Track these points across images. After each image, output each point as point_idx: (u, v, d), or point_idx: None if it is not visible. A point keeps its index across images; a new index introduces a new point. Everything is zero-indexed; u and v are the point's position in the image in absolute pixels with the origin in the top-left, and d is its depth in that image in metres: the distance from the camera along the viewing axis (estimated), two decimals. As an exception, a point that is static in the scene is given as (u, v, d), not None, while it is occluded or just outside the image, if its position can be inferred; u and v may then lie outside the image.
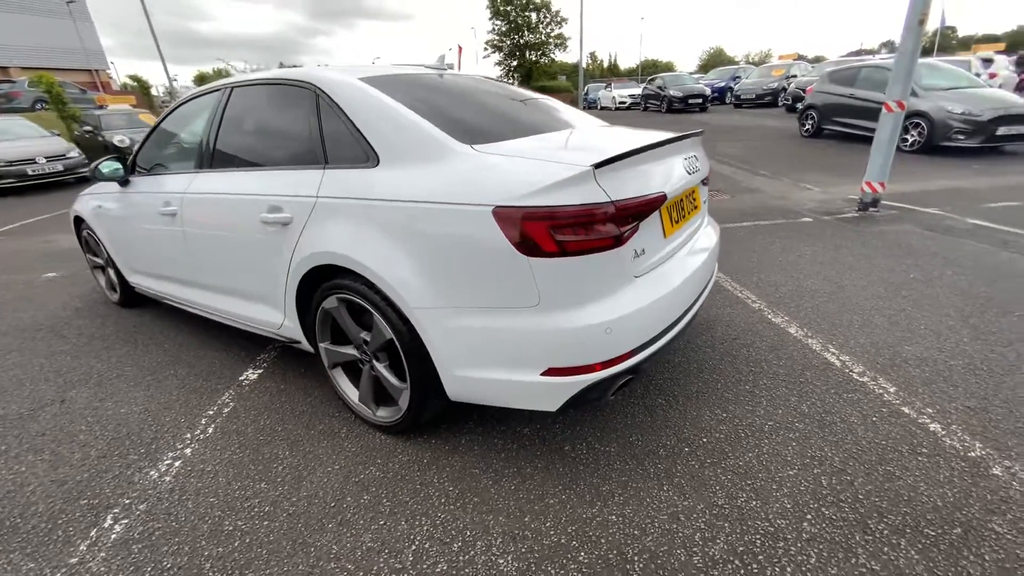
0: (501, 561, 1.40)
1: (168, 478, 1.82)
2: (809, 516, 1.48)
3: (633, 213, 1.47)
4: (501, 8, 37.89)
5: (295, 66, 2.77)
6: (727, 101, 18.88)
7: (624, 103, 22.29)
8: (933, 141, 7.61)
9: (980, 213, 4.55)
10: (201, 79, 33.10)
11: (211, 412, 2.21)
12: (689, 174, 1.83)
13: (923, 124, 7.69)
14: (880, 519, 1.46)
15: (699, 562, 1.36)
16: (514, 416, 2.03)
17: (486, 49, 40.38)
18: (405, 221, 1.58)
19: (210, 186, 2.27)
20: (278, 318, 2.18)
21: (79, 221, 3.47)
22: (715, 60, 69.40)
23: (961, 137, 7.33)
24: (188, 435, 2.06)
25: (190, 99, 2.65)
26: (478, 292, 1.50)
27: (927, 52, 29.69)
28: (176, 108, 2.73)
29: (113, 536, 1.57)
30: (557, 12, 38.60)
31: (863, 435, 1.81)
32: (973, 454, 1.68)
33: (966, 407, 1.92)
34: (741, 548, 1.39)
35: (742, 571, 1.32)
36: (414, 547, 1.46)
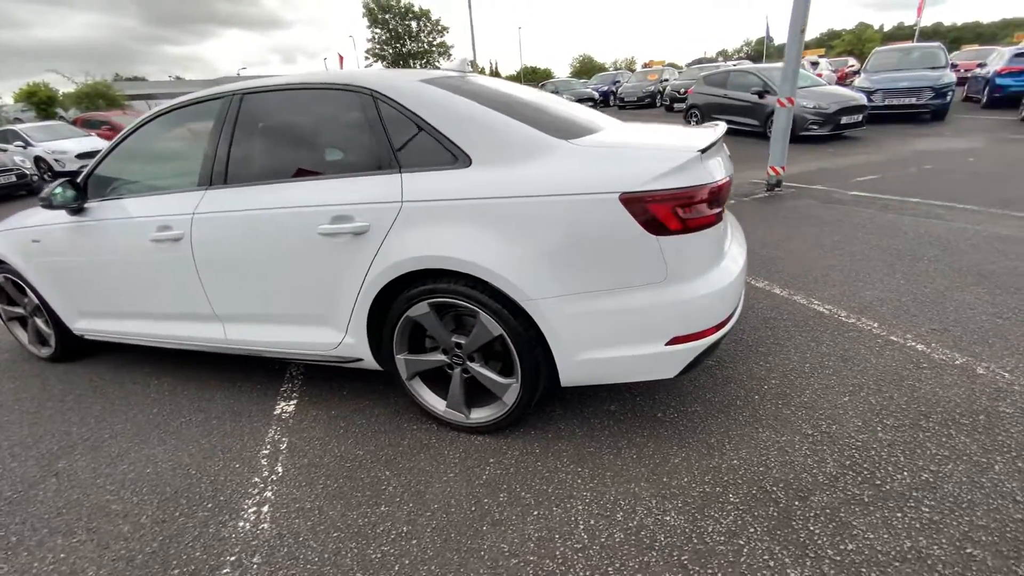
0: (668, 518, 1.52)
1: (265, 525, 1.63)
2: (879, 428, 1.81)
3: (721, 195, 1.67)
4: (379, 16, 37.07)
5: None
6: (611, 104, 20.56)
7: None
8: (795, 132, 9.10)
9: (854, 186, 5.61)
10: (29, 94, 27.63)
11: (266, 452, 2.00)
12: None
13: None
14: (927, 419, 1.83)
15: (823, 479, 1.60)
16: (590, 397, 2.14)
17: (367, 58, 39.26)
18: (520, 216, 1.62)
19: (232, 203, 2.04)
20: (334, 337, 2.04)
21: None
22: (586, 66, 75.15)
23: (815, 127, 8.86)
24: (256, 479, 1.86)
25: (164, 112, 2.33)
26: (605, 275, 1.59)
27: (756, 59, 34.95)
28: (145, 124, 2.39)
29: (242, 595, 1.40)
30: (437, 21, 38.86)
31: (877, 361, 2.22)
32: (959, 362, 2.16)
33: (932, 330, 2.45)
34: (847, 462, 1.66)
35: (859, 479, 1.59)
36: (582, 526, 1.52)
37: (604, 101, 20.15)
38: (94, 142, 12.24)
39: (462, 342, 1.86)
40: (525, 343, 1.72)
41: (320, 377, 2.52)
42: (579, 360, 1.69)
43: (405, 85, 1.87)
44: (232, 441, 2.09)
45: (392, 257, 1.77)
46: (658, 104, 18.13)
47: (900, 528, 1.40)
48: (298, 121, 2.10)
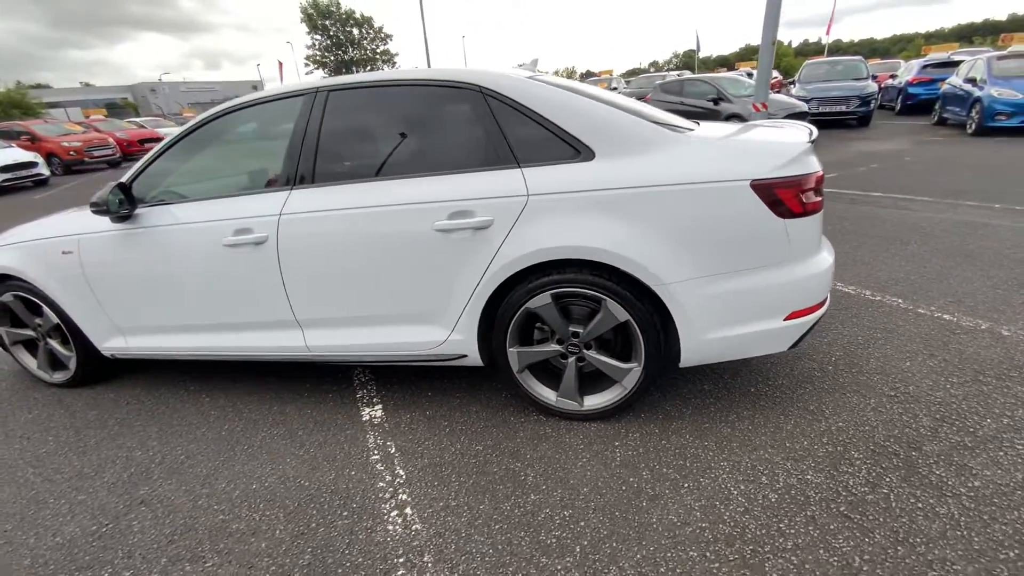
0: (809, 477, 1.64)
1: (417, 526, 1.60)
2: (947, 385, 2.05)
3: (822, 183, 1.84)
4: (319, 23, 35.92)
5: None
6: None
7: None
8: (749, 135, 9.85)
9: (819, 183, 6.16)
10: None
11: (376, 457, 1.95)
12: None
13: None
14: (983, 375, 2.09)
15: (926, 431, 1.80)
16: (681, 380, 2.25)
17: (307, 64, 37.86)
18: (651, 205, 1.70)
19: (327, 202, 1.98)
20: (438, 335, 2.02)
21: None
22: None
23: (767, 131, 9.63)
24: (380, 483, 1.80)
25: (225, 113, 2.21)
26: (735, 256, 1.71)
27: (689, 69, 37.21)
28: (200, 125, 2.24)
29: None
30: (380, 28, 38.20)
31: (917, 331, 2.50)
32: (984, 327, 2.48)
33: (950, 302, 2.78)
34: (937, 416, 1.87)
35: (954, 428, 1.80)
36: (735, 492, 1.61)
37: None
38: (15, 154, 11.00)
39: (579, 331, 1.92)
40: (650, 327, 1.80)
41: (393, 380, 2.47)
42: (704, 340, 1.80)
43: (514, 81, 1.90)
44: (332, 450, 2.01)
45: (519, 250, 1.79)
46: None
47: (1007, 464, 1.61)
48: (398, 118, 2.07)
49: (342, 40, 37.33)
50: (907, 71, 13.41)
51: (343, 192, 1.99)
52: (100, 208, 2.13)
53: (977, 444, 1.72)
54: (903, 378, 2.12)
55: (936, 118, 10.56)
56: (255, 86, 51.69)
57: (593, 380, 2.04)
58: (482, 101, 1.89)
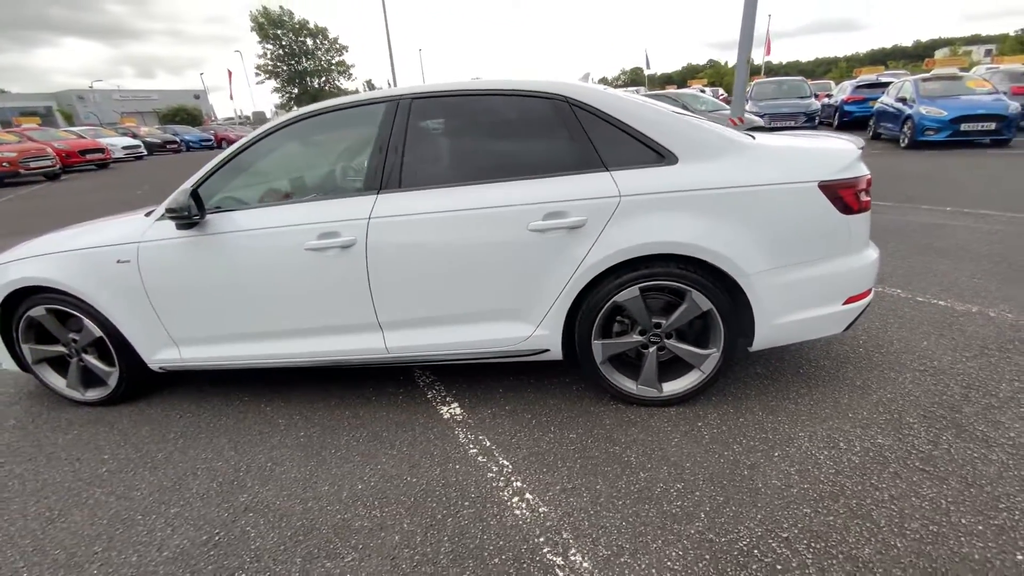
0: (879, 440, 1.87)
1: (544, 508, 1.69)
2: (963, 359, 2.36)
3: (871, 185, 2.10)
4: (271, 32, 34.87)
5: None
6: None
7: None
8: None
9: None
10: None
11: (474, 450, 2.01)
12: None
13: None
14: (988, 349, 2.43)
15: (959, 397, 2.08)
16: (737, 366, 2.45)
17: (258, 74, 36.58)
18: (731, 204, 1.90)
19: (418, 206, 2.05)
20: (524, 331, 2.12)
21: (23, 293, 2.39)
22: None
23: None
24: (490, 474, 1.87)
25: (297, 120, 2.24)
26: (804, 249, 1.94)
27: (639, 85, 38.96)
28: (270, 133, 2.25)
29: (588, 562, 1.46)
30: (335, 39, 37.56)
31: (923, 316, 2.84)
32: (975, 310, 2.86)
33: (940, 291, 3.17)
34: (964, 383, 2.17)
35: (980, 393, 2.09)
36: (821, 457, 1.80)
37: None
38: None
39: (660, 322, 2.08)
40: (730, 315, 1.99)
41: (460, 380, 2.53)
42: (776, 324, 2.00)
43: (598, 93, 2.07)
44: (426, 447, 2.05)
45: (612, 247, 1.94)
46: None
47: (1033, 419, 1.91)
48: (484, 125, 2.17)
49: (295, 51, 36.42)
50: (842, 91, 14.78)
51: (432, 196, 2.06)
52: (180, 214, 2.08)
53: (1002, 404, 2.01)
54: (926, 355, 2.43)
55: (871, 133, 11.70)
56: (197, 95, 49.30)
57: (666, 368, 2.20)
58: (568, 110, 2.03)
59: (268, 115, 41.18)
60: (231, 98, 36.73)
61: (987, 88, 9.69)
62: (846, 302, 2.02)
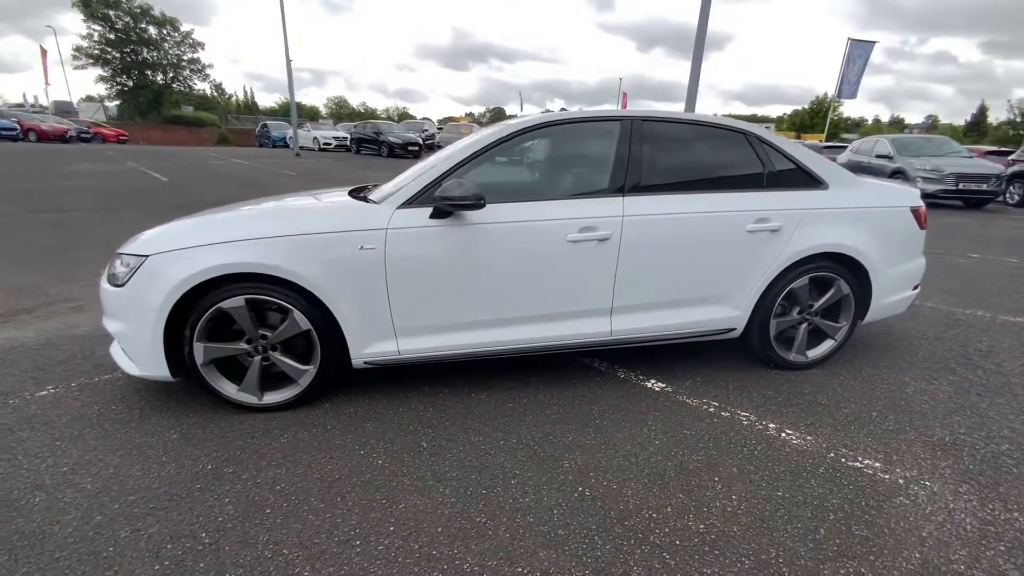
0: (939, 391, 2.82)
1: (810, 438, 2.21)
2: (972, 353, 3.56)
3: (904, 210, 3.14)
4: (99, 11, 29.00)
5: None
6: (434, 149, 22.09)
7: (329, 144, 22.08)
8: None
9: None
10: None
11: (711, 409, 2.44)
12: None
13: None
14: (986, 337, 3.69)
15: (992, 369, 3.18)
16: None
17: (77, 56, 29.88)
18: (864, 219, 2.73)
19: (659, 208, 2.47)
20: (728, 313, 2.67)
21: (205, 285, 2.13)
22: (341, 108, 76.12)
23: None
24: (745, 422, 2.33)
25: (543, 126, 2.51)
26: (901, 251, 2.86)
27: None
28: (513, 136, 2.44)
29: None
30: (188, 33, 32.84)
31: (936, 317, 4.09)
32: (980, 314, 4.21)
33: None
34: (986, 355, 3.31)
35: (1000, 361, 3.24)
36: (887, 428, 2.66)
37: (429, 146, 21.59)
38: None
39: (813, 304, 2.80)
40: (859, 297, 2.81)
41: (632, 362, 2.90)
42: (880, 305, 2.88)
43: (768, 132, 2.76)
44: (677, 411, 2.41)
45: (799, 246, 2.61)
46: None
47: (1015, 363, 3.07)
48: (697, 146, 2.68)
49: (133, 38, 30.87)
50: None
51: (668, 200, 2.51)
52: (462, 202, 2.14)
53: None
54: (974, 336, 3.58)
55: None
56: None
57: (810, 339, 2.91)
58: (757, 142, 2.68)
59: (76, 106, 33.86)
60: (47, 83, 29.16)
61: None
62: (913, 288, 3.00)
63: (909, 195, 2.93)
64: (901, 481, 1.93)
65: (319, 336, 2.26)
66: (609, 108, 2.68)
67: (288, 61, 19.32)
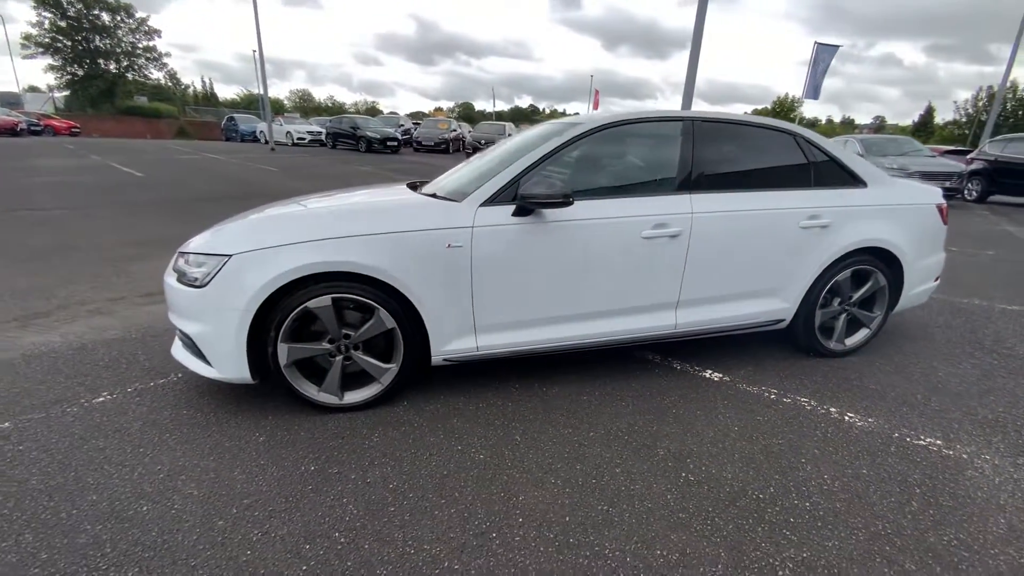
0: (961, 372, 3.05)
1: (872, 419, 2.36)
2: (989, 349, 3.84)
3: (925, 207, 3.37)
4: (50, -3, 27.02)
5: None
6: (411, 146, 21.74)
7: (303, 139, 21.44)
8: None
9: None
10: None
11: (772, 397, 2.57)
12: None
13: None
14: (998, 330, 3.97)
15: (1010, 354, 3.45)
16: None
17: (26, 44, 27.84)
18: (898, 215, 2.92)
19: (723, 205, 2.57)
20: (778, 305, 2.81)
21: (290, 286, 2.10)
22: (304, 103, 73.19)
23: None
24: (807, 407, 2.47)
25: (612, 125, 2.56)
26: (928, 245, 3.06)
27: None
28: (585, 135, 2.49)
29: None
30: (143, 20, 31.03)
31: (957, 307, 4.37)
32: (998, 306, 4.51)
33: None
34: (1005, 342, 3.58)
35: (1010, 345, 3.51)
36: (934, 408, 2.88)
37: (407, 143, 21.25)
38: None
39: (852, 295, 2.97)
40: (893, 287, 3.00)
41: (684, 354, 3.02)
42: (909, 295, 3.08)
43: (813, 133, 2.90)
44: (744, 398, 2.53)
45: (845, 241, 2.77)
46: (461, 150, 20.30)
47: None
48: (750, 146, 2.78)
49: (85, 25, 28.99)
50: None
51: (729, 198, 2.61)
52: (552, 200, 2.18)
53: None
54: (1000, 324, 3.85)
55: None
56: None
57: (848, 328, 3.07)
58: (794, 142, 2.82)
59: (21, 96, 31.59)
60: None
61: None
62: (935, 280, 3.23)
63: (934, 193, 3.15)
64: (965, 456, 2.11)
65: (403, 334, 2.26)
66: (669, 109, 2.76)
67: (260, 53, 18.66)
